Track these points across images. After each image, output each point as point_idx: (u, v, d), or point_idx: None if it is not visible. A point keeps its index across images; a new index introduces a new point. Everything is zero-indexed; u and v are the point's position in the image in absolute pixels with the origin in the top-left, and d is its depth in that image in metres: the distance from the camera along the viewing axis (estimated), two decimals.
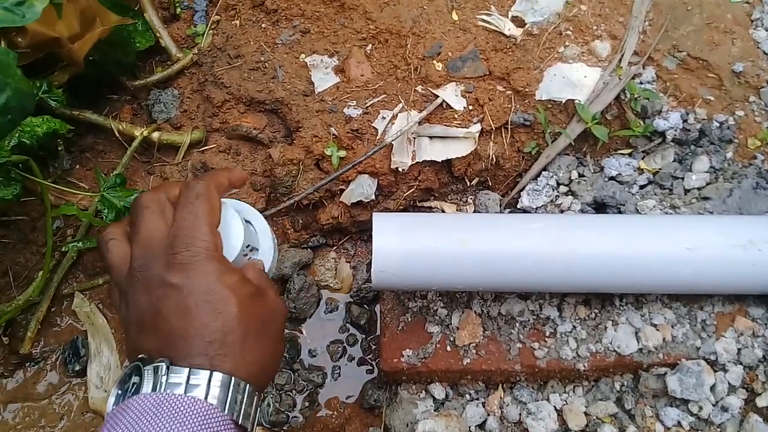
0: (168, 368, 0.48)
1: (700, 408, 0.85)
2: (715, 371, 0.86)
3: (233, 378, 0.49)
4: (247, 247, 0.62)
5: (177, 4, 1.18)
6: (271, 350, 0.55)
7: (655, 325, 0.87)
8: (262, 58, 1.07)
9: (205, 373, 0.48)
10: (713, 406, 0.86)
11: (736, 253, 0.78)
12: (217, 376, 0.49)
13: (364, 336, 1.06)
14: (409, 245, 0.80)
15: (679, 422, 0.87)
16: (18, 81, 0.56)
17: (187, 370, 0.48)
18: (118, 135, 1.06)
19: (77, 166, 1.09)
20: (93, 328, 1.07)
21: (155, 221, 0.54)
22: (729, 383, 0.85)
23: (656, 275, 0.80)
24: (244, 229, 0.59)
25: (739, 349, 0.86)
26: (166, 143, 1.07)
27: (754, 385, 0.85)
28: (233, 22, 1.12)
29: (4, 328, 1.05)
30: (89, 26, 0.98)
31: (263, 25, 1.10)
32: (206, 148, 1.09)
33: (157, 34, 1.12)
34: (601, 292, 0.88)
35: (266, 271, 0.63)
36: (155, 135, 1.06)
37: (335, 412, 1.02)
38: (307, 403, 1.02)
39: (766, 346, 0.85)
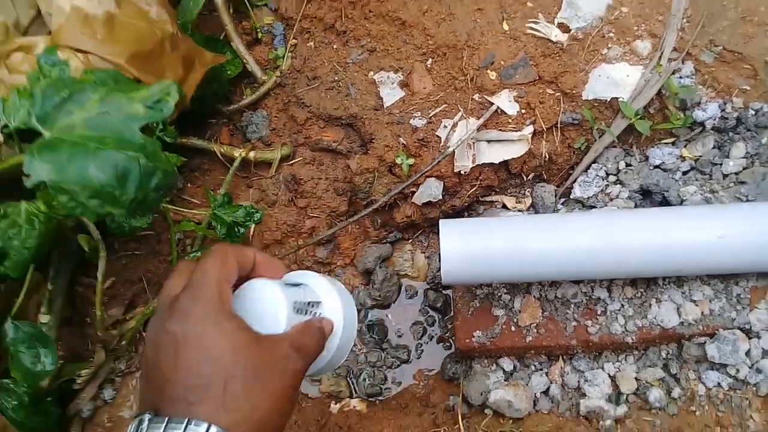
0: (150, 420, 0.47)
1: (737, 370, 0.97)
2: (750, 338, 0.97)
3: (211, 425, 0.47)
4: (308, 304, 0.61)
5: (258, 30, 1.34)
6: (267, 404, 0.51)
7: (694, 301, 0.99)
8: (336, 78, 1.22)
9: (182, 422, 0.46)
10: (749, 368, 0.97)
11: (764, 239, 0.88)
12: (194, 425, 0.46)
13: (441, 317, 1.22)
14: (471, 248, 0.94)
15: (719, 383, 0.99)
16: (164, 164, 0.72)
17: (165, 420, 0.47)
18: (220, 156, 1.25)
19: (189, 185, 1.28)
20: None
21: (174, 281, 0.55)
22: (763, 348, 0.96)
23: (692, 262, 0.91)
24: (281, 291, 0.58)
25: None
26: (260, 160, 1.25)
27: None
28: (308, 44, 1.28)
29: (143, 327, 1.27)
30: (190, 68, 1.15)
31: (335, 46, 1.25)
32: (294, 161, 1.26)
33: (244, 60, 1.28)
34: (644, 277, 1.00)
35: (338, 327, 0.62)
36: (251, 154, 1.24)
37: (421, 383, 1.20)
38: (396, 377, 1.20)
39: None
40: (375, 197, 1.19)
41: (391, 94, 1.18)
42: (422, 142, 1.15)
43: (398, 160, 1.15)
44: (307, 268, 1.28)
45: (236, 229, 1.14)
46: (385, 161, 1.17)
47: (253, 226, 1.23)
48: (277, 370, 0.52)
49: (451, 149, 1.10)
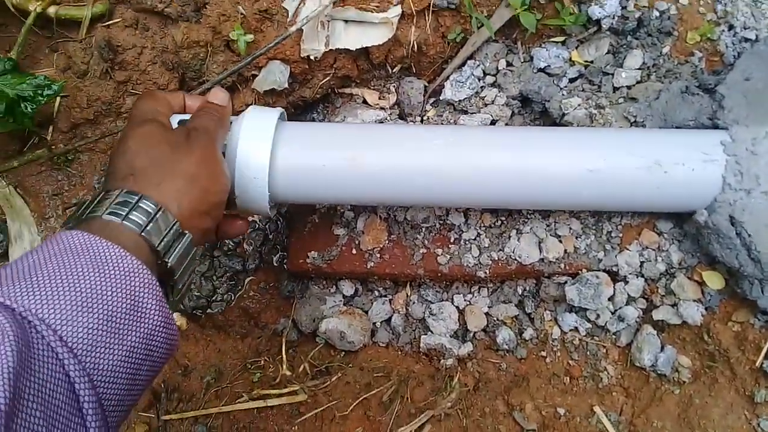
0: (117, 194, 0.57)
1: (598, 316, 0.86)
2: (615, 282, 0.85)
3: (141, 195, 0.56)
4: None
5: None
6: (185, 174, 0.60)
7: (559, 236, 0.85)
8: None
9: (123, 195, 0.56)
10: (611, 315, 0.86)
11: (640, 175, 0.74)
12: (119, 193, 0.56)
13: (286, 224, 1.05)
14: (299, 160, 0.75)
15: (576, 327, 0.88)
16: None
17: (117, 193, 0.57)
18: (12, 9, 0.98)
19: None
20: (12, 210, 1.06)
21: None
22: (629, 294, 0.85)
23: (556, 195, 0.76)
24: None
25: (642, 263, 0.84)
26: (66, 18, 0.99)
27: (653, 298, 0.85)
28: None
29: None
30: None
31: None
32: (111, 22, 1.00)
33: None
34: (501, 208, 0.85)
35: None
36: (52, 10, 0.97)
37: (256, 296, 1.04)
38: (228, 289, 1.03)
39: (669, 260, 0.83)
40: (208, 77, 0.97)
41: None
42: (265, 15, 0.92)
43: (233, 36, 0.92)
44: None
45: (22, 106, 0.90)
46: (222, 34, 0.94)
47: (58, 100, 1.00)
48: (183, 149, 0.63)
49: (298, 26, 0.88)
